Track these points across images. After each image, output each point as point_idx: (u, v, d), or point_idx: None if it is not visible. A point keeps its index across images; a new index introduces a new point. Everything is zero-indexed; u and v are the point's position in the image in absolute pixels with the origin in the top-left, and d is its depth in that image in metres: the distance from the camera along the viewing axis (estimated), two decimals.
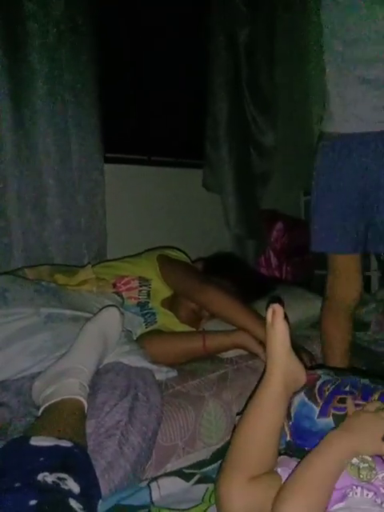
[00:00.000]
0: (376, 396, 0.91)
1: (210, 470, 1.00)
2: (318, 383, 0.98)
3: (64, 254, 1.77)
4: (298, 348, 1.08)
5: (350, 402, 0.88)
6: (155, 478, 0.95)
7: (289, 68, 3.06)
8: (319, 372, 1.04)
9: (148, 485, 0.93)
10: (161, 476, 0.97)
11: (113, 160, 2.03)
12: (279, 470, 0.80)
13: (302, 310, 1.78)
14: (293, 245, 2.71)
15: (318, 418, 0.92)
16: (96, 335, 1.09)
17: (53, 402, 0.92)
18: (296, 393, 0.96)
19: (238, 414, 1.08)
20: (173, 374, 1.30)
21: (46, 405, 0.92)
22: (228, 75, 2.35)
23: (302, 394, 0.97)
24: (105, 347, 1.11)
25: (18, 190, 1.65)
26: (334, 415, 0.91)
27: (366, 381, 0.98)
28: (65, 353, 1.05)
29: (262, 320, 1.37)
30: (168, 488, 0.92)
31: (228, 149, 2.37)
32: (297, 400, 0.96)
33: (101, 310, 1.17)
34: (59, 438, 0.82)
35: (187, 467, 1.02)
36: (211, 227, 2.52)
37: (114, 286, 1.49)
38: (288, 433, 0.95)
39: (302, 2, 2.74)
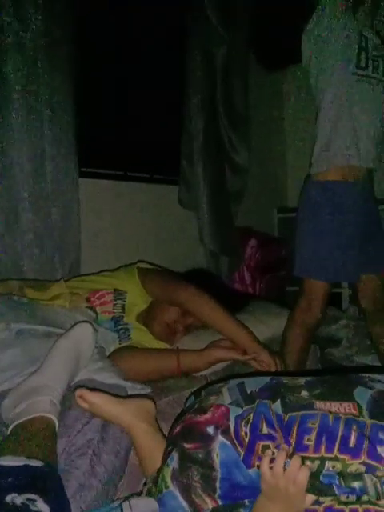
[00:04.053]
0: (294, 434, 0.82)
1: None
2: (232, 425, 0.86)
3: (36, 268, 1.74)
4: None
5: (265, 461, 0.78)
6: (127, 498, 0.94)
7: (263, 89, 3.14)
8: (227, 405, 0.90)
9: (120, 505, 0.91)
10: (133, 495, 0.95)
11: (89, 175, 2.02)
12: None
13: (276, 326, 1.80)
14: (266, 261, 2.75)
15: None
16: (68, 351, 1.07)
17: (23, 420, 0.89)
18: (208, 441, 0.85)
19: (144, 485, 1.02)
20: (146, 390, 1.27)
21: (16, 423, 0.90)
22: (204, 93, 2.39)
23: (220, 437, 0.85)
24: (77, 364, 1.09)
25: None
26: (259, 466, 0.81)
27: (278, 409, 0.86)
28: (36, 369, 1.03)
29: (237, 321, 1.39)
30: (140, 508, 0.90)
31: (203, 166, 2.40)
32: (217, 445, 0.85)
33: (73, 325, 1.15)
34: (29, 458, 0.80)
35: None
36: (186, 243, 2.53)
37: (88, 300, 1.48)
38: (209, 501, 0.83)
39: None
